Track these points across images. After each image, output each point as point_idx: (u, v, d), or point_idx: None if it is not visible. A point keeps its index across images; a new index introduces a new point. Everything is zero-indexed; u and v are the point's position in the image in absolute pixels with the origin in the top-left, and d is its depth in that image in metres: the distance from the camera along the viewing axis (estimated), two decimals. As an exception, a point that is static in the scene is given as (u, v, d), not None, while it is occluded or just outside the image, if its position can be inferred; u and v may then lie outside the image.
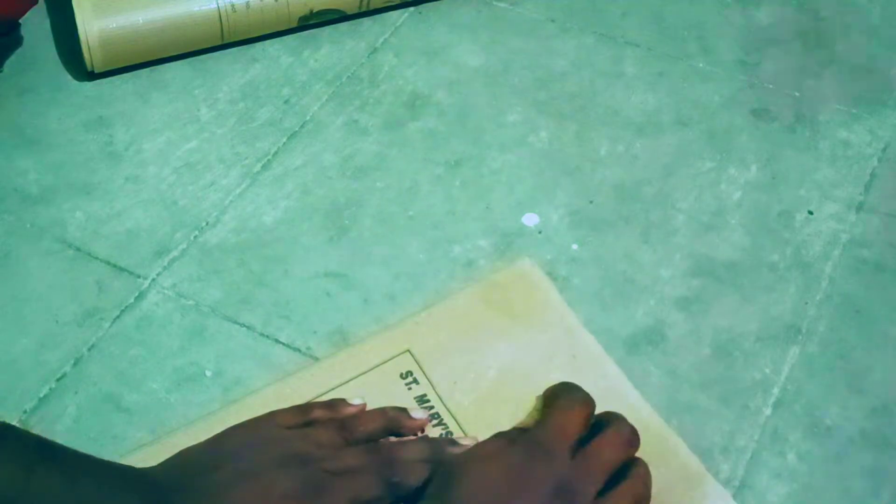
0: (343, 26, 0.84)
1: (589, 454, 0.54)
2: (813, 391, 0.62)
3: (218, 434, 0.55)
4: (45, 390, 0.62)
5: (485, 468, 0.53)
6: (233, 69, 0.81)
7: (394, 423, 0.57)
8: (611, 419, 0.56)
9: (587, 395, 0.57)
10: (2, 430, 0.50)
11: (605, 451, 0.54)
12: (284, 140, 0.76)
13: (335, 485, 0.53)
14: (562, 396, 0.57)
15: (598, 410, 0.58)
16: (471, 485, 0.52)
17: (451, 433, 0.58)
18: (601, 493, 0.53)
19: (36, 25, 0.83)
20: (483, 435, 0.57)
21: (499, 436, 0.56)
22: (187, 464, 0.54)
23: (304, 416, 0.56)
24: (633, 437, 0.55)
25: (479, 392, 0.60)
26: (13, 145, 0.75)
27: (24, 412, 0.61)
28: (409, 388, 0.60)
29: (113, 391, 0.61)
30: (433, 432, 0.58)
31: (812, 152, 0.75)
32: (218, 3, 0.79)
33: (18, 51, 0.82)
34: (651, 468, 0.56)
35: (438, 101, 0.79)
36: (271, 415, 0.57)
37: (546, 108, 0.78)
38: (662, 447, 0.57)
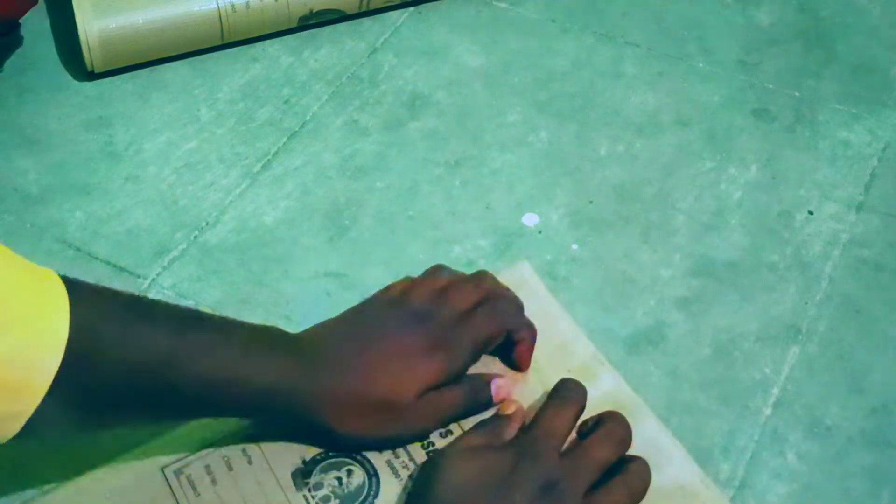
0: (343, 26, 0.84)
1: (578, 452, 0.54)
2: (813, 391, 0.62)
3: (336, 318, 0.59)
4: (45, 390, 0.61)
5: (471, 465, 0.53)
6: (233, 69, 0.81)
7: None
8: (606, 418, 0.56)
9: (579, 393, 0.57)
10: (153, 300, 0.55)
11: (595, 450, 0.54)
12: (284, 140, 0.76)
13: (456, 331, 0.57)
14: (554, 396, 0.57)
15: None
16: (457, 481, 0.52)
17: (451, 432, 0.58)
18: (596, 488, 0.53)
19: (36, 25, 0.83)
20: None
21: (482, 425, 0.57)
22: (324, 331, 0.58)
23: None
24: (626, 436, 0.56)
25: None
26: (13, 145, 0.75)
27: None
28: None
29: (113, 391, 0.61)
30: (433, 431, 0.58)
31: (812, 152, 0.75)
32: (218, 3, 0.79)
33: (18, 51, 0.82)
34: None
35: (438, 101, 0.79)
36: (381, 293, 0.60)
37: (546, 108, 0.78)
38: (658, 456, 0.57)
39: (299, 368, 0.54)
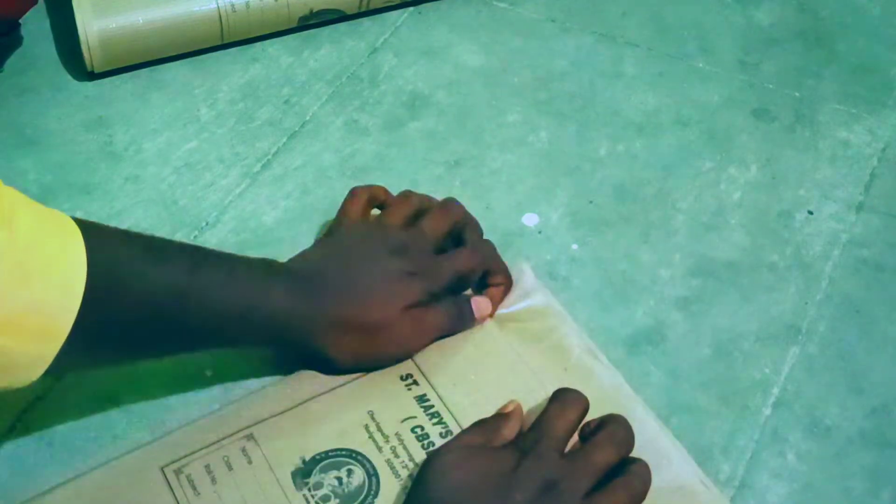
0: (343, 26, 0.84)
1: (579, 454, 0.54)
2: (813, 391, 0.62)
3: (317, 244, 0.64)
4: (44, 390, 0.61)
5: (470, 464, 0.53)
6: (233, 69, 0.81)
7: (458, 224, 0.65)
8: (608, 421, 0.56)
9: (579, 396, 0.57)
10: (165, 240, 0.59)
11: (596, 452, 0.54)
12: (284, 140, 0.76)
13: (436, 260, 0.62)
14: (556, 399, 0.57)
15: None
16: (455, 480, 0.52)
17: (452, 432, 0.58)
18: (597, 489, 0.53)
19: (36, 25, 0.83)
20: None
21: (480, 424, 0.57)
22: (311, 261, 0.62)
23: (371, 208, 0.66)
24: (627, 438, 0.56)
25: (478, 393, 0.60)
26: (13, 145, 0.75)
27: (23, 412, 0.60)
28: (409, 389, 0.60)
29: (113, 391, 0.61)
30: (433, 430, 0.58)
31: (812, 152, 0.75)
32: (218, 3, 0.79)
33: (18, 51, 0.82)
34: None
35: (438, 101, 0.79)
36: (349, 212, 0.65)
37: (546, 108, 0.78)
38: (657, 456, 0.57)
39: (297, 298, 0.58)
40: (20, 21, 0.82)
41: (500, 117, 0.77)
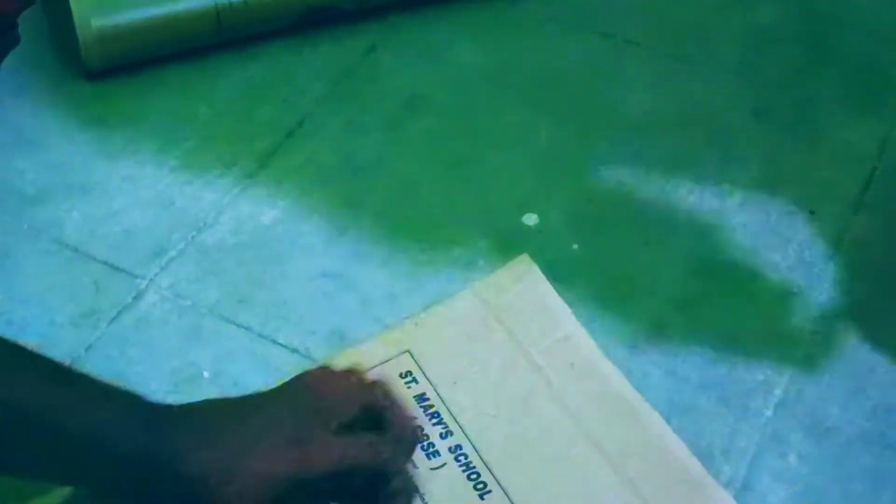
0: (343, 26, 0.84)
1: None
2: (814, 393, 0.62)
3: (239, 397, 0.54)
4: None
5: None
6: (232, 68, 0.81)
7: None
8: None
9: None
10: (31, 352, 0.50)
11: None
12: (283, 139, 0.76)
13: (331, 444, 0.50)
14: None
15: (598, 415, 0.58)
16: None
17: (452, 432, 0.58)
18: None
19: (34, 24, 0.83)
20: (484, 436, 0.57)
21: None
22: (196, 406, 0.52)
23: None
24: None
25: (478, 392, 0.60)
26: (11, 145, 0.75)
27: (22, 413, 0.60)
28: (409, 388, 0.60)
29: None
30: (433, 431, 0.58)
31: (812, 152, 0.75)
32: (216, 1, 0.79)
33: (16, 49, 0.82)
34: (651, 471, 0.56)
35: (438, 101, 0.78)
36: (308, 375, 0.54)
37: (546, 108, 0.78)
38: (662, 450, 0.57)
39: (153, 432, 0.49)
40: (18, 20, 0.82)
41: (500, 117, 0.77)
